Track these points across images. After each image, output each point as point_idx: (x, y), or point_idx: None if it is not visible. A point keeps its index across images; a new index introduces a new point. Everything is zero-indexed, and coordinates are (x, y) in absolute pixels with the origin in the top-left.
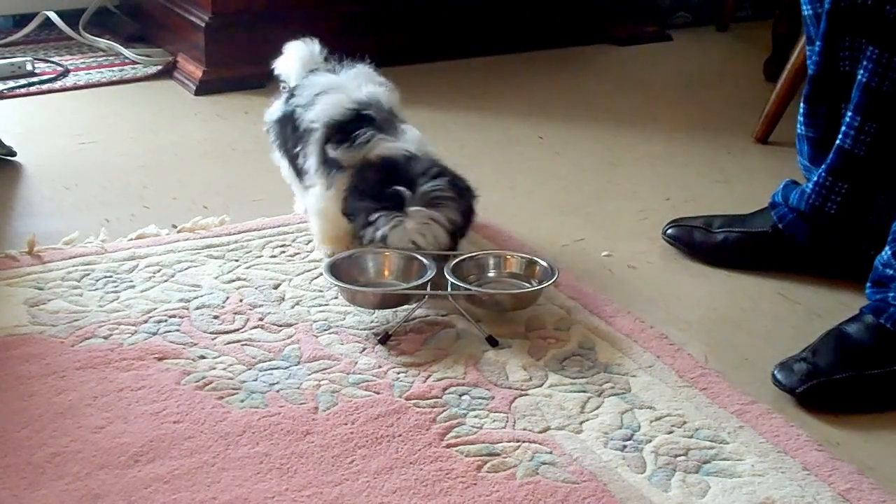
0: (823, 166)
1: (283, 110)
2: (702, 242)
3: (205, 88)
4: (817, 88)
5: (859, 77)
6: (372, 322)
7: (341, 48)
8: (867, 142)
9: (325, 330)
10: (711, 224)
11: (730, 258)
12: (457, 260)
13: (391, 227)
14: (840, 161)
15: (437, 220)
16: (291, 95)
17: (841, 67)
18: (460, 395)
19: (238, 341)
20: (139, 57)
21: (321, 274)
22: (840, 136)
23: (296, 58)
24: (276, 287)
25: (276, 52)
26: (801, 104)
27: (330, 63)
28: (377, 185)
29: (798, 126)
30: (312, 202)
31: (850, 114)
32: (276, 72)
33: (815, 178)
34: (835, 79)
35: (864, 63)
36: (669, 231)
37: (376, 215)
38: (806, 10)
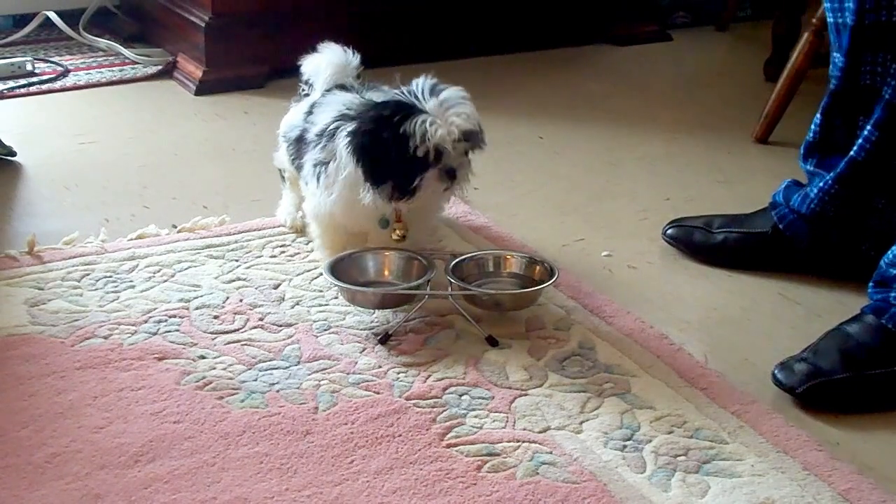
0: (832, 174)
1: (301, 129)
2: (702, 243)
3: (205, 88)
4: (837, 103)
5: (885, 95)
6: (372, 322)
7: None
8: (873, 150)
9: (325, 330)
10: (711, 224)
11: (730, 259)
12: (457, 260)
13: (429, 124)
14: (850, 171)
15: (460, 104)
16: (310, 112)
17: (862, 81)
18: (460, 395)
19: (238, 341)
20: (139, 57)
21: (321, 274)
22: (855, 149)
23: (328, 63)
24: (276, 287)
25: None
26: (818, 115)
27: (361, 79)
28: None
29: (809, 134)
30: (310, 209)
31: (868, 128)
32: (301, 69)
33: (822, 185)
34: (856, 92)
35: (890, 81)
36: (669, 231)
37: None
38: (829, 18)
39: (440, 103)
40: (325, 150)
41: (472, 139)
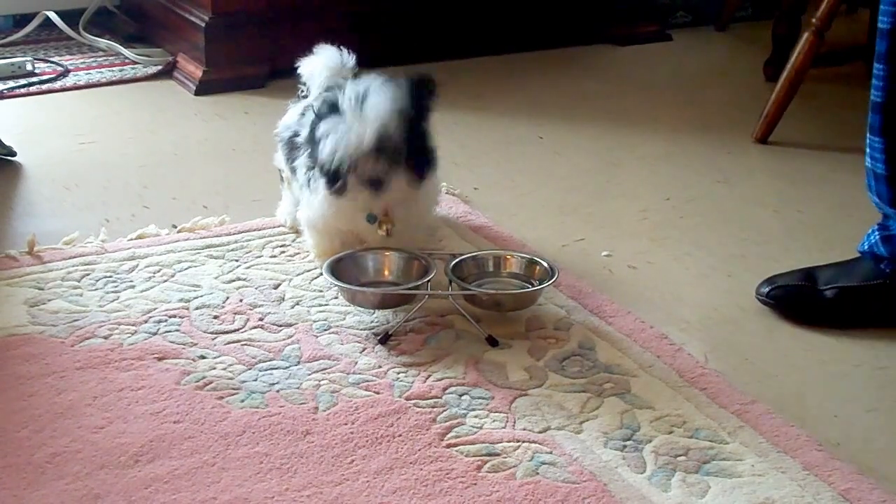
0: None
1: (294, 130)
2: (811, 303)
3: (205, 88)
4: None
5: None
6: (372, 322)
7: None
8: None
9: (325, 330)
10: (815, 279)
11: (850, 316)
12: (457, 260)
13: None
14: None
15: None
16: (303, 114)
17: None
18: (460, 395)
19: (238, 341)
20: (139, 57)
21: (321, 274)
22: None
23: (323, 65)
24: (276, 287)
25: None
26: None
27: (358, 79)
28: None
29: (867, 160)
30: (304, 216)
31: None
32: (299, 71)
33: None
34: None
35: None
36: (770, 292)
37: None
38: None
39: (354, 115)
40: (312, 156)
41: (385, 152)
